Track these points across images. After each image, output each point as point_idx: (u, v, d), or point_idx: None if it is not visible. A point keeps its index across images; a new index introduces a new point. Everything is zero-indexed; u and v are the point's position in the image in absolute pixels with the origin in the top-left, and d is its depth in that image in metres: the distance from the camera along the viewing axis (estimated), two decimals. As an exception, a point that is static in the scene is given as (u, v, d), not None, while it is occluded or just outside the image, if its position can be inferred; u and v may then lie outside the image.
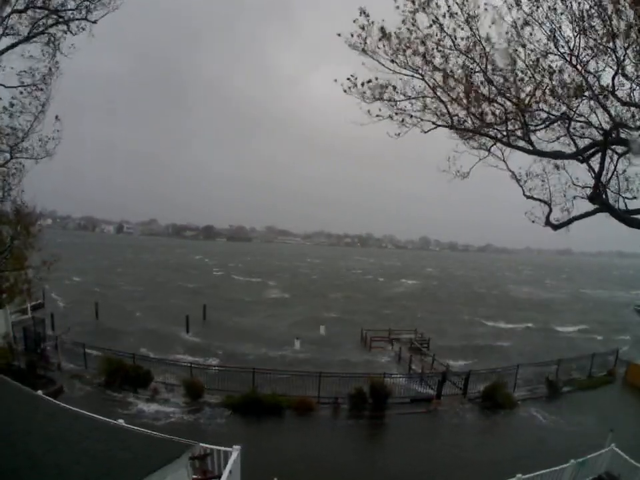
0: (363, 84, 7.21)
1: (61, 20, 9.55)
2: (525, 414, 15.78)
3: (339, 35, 6.90)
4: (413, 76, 7.28)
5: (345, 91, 7.28)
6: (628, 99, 6.85)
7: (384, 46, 6.93)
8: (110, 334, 23.77)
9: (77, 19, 9.56)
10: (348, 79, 7.21)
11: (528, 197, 8.38)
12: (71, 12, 9.44)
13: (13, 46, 9.47)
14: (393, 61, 7.05)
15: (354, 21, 6.71)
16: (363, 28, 6.80)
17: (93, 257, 76.76)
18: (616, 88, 6.71)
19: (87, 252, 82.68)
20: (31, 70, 10.03)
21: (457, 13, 6.63)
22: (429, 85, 7.39)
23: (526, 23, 6.67)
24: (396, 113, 7.51)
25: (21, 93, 10.19)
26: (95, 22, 9.66)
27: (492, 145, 8.05)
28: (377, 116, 7.41)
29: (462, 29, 6.78)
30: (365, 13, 6.65)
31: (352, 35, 6.87)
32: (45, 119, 10.80)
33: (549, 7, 6.48)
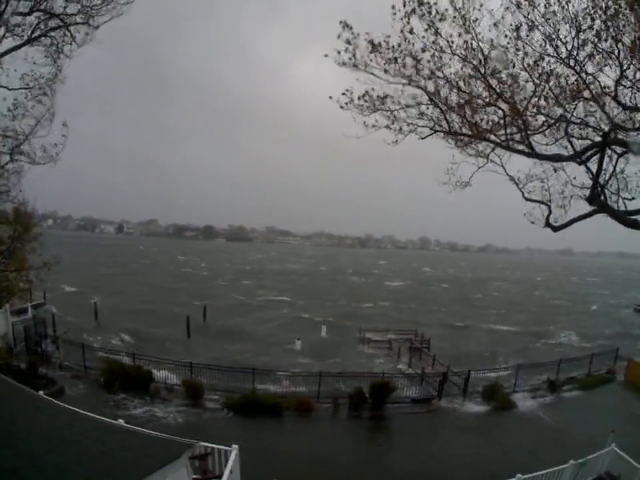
0: (359, 98, 7.05)
1: (62, 24, 9.58)
2: (525, 413, 15.79)
3: (326, 55, 6.53)
4: (408, 84, 7.19)
5: (342, 107, 7.08)
6: (629, 102, 6.84)
7: (375, 57, 6.68)
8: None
9: (78, 23, 9.59)
10: (343, 93, 7.01)
11: (528, 200, 8.39)
12: (72, 16, 9.46)
13: (15, 48, 9.48)
14: (386, 71, 6.86)
15: (338, 37, 6.34)
16: (349, 42, 6.45)
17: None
18: (617, 92, 6.70)
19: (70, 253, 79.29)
20: (32, 73, 10.06)
21: (455, 17, 6.55)
22: (425, 92, 7.33)
23: (523, 26, 6.67)
24: (392, 122, 7.44)
25: (26, 97, 10.20)
26: (97, 27, 9.69)
27: (491, 151, 8.04)
28: (373, 126, 7.31)
29: (459, 33, 6.70)
30: (348, 26, 6.29)
31: (339, 53, 6.54)
32: (51, 124, 10.82)
33: (547, 10, 6.48)
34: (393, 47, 6.67)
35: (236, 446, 8.37)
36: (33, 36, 9.44)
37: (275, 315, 35.75)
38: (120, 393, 14.97)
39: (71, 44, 9.78)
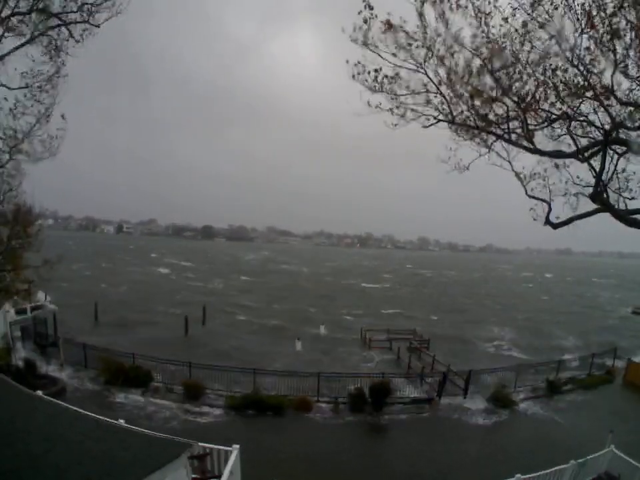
0: (369, 72, 7.04)
1: (62, 23, 9.54)
2: (525, 413, 15.81)
3: (343, 30, 6.76)
4: (416, 70, 7.19)
5: (353, 77, 7.09)
6: (627, 99, 6.84)
7: (386, 39, 6.79)
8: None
9: (78, 22, 9.55)
10: (355, 65, 7.04)
11: (530, 197, 8.34)
12: (72, 15, 9.42)
13: (16, 48, 9.45)
14: (394, 55, 6.91)
15: (358, 13, 6.57)
16: (365, 21, 6.66)
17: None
18: (615, 87, 6.69)
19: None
20: (32, 71, 10.00)
21: (466, 7, 6.53)
22: (431, 80, 7.31)
23: (529, 24, 6.66)
24: (397, 107, 7.40)
25: (25, 95, 10.14)
26: (97, 26, 9.65)
27: (493, 142, 7.98)
28: (376, 107, 7.26)
29: (468, 24, 6.70)
30: (369, 6, 6.54)
31: (354, 29, 6.72)
32: (49, 122, 10.72)
33: (552, 6, 6.47)
34: (407, 32, 6.75)
35: (237, 446, 8.35)
36: (32, 35, 9.40)
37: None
38: (120, 393, 14.97)
39: (76, 41, 9.68)
